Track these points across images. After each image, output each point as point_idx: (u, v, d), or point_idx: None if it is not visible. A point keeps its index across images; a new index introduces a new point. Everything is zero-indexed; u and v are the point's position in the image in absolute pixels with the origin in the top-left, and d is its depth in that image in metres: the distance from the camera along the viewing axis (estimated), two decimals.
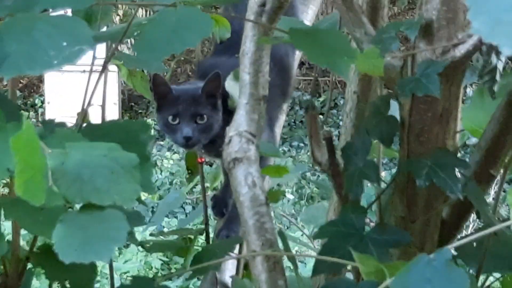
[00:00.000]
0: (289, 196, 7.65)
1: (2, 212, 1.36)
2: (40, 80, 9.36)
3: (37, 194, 1.09)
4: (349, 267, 1.78)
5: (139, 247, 6.30)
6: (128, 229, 1.17)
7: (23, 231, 1.57)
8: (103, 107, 2.01)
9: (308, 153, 8.75)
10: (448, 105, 1.63)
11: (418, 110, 1.63)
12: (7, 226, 1.62)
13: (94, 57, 1.86)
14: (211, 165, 4.20)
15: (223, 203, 2.54)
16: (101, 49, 1.82)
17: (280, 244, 1.50)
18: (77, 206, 1.21)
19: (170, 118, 2.30)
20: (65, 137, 1.24)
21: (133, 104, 10.26)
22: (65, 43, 1.17)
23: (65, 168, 1.16)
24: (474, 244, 1.72)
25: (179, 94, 2.32)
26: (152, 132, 1.50)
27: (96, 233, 1.16)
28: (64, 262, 1.13)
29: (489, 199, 2.29)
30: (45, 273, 1.58)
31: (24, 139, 1.06)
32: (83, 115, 1.73)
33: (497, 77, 1.66)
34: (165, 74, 9.29)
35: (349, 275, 1.84)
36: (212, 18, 2.07)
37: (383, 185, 1.76)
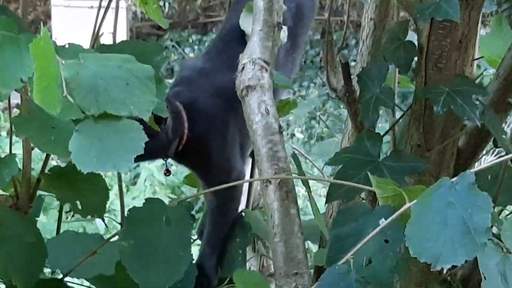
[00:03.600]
0: (299, 135, 7.65)
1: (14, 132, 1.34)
2: (48, 16, 9.30)
3: (53, 102, 1.08)
4: (362, 195, 1.77)
5: (146, 184, 6.33)
6: (145, 140, 1.15)
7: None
8: (114, 34, 1.98)
9: (318, 93, 8.74)
10: (468, 31, 1.59)
11: (437, 36, 1.60)
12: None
13: None
14: None
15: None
16: None
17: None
18: None
19: None
20: (78, 51, 1.21)
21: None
22: None
23: (80, 79, 1.13)
24: (489, 177, 1.70)
25: None
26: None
27: (114, 143, 1.14)
28: (83, 171, 1.11)
29: (506, 129, 2.26)
30: (56, 195, 1.57)
31: (42, 47, 1.04)
32: (95, 39, 1.72)
33: None
34: None
35: None
36: None
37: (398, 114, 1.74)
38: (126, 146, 1.14)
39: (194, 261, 1.45)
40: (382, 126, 2.27)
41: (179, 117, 1.99)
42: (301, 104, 2.76)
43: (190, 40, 9.91)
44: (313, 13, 2.31)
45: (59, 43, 1.26)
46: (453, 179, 1.08)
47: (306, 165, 4.73)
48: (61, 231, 1.80)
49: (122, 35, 7.20)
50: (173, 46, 9.77)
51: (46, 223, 5.07)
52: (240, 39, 2.07)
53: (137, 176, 6.39)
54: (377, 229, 1.14)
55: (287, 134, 7.71)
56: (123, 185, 1.88)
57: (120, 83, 1.17)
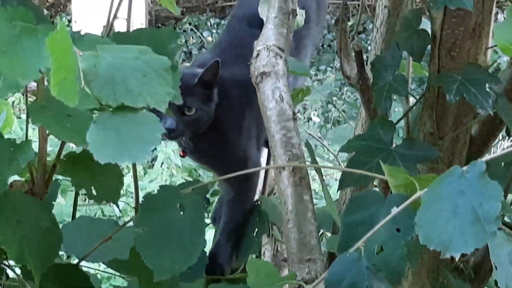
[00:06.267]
0: (315, 119, 7.64)
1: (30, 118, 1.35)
2: None
3: (70, 95, 1.09)
4: (375, 183, 1.78)
5: (164, 167, 6.35)
6: (162, 132, 1.17)
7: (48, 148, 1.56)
8: (128, 20, 1.99)
9: (334, 76, 8.73)
10: (481, 20, 1.60)
11: (450, 24, 1.60)
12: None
13: None
14: None
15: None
16: None
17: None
18: None
19: None
20: (95, 41, 1.22)
21: (159, 25, 10.23)
22: None
23: (97, 70, 1.15)
24: (502, 164, 1.71)
25: None
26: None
27: (131, 135, 1.16)
28: (100, 162, 1.12)
29: None
30: (71, 180, 1.59)
31: (58, 40, 1.06)
32: (109, 27, 1.72)
33: None
34: None
35: None
36: None
37: (411, 101, 1.74)
38: (143, 137, 1.16)
39: (208, 248, 1.46)
40: (398, 110, 2.27)
41: None
42: (316, 89, 2.76)
43: (209, 24, 9.92)
44: (319, 17, 2.30)
45: (79, 26, 1.26)
46: (464, 168, 1.09)
47: (322, 149, 4.74)
48: (79, 213, 1.82)
49: (141, 19, 7.20)
50: (191, 29, 9.79)
51: (64, 205, 5.10)
52: (250, 30, 2.07)
53: (154, 159, 6.42)
54: (389, 217, 1.14)
55: (304, 118, 7.71)
56: (141, 168, 1.89)
57: (137, 74, 1.18)
